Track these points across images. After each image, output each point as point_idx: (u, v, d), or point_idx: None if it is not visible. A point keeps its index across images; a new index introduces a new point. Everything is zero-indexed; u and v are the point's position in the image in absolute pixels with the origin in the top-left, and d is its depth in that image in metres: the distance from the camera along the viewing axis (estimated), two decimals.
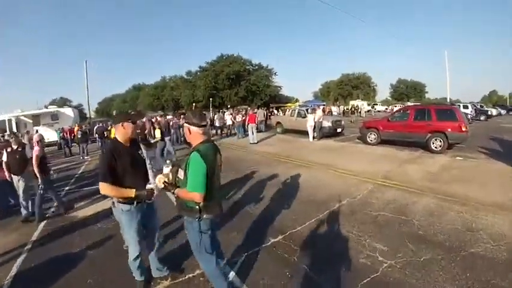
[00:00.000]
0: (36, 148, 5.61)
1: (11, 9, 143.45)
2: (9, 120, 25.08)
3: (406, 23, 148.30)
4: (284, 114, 22.83)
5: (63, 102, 79.12)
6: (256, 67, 45.86)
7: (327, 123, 14.77)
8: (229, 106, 39.36)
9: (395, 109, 42.53)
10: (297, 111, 17.07)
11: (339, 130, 15.41)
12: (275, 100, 46.37)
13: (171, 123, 16.66)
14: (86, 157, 14.14)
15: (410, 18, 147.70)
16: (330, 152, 11.11)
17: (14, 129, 24.21)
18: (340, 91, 77.76)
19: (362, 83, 76.88)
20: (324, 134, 14.80)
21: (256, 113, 19.02)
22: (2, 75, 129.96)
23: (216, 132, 19.02)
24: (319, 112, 14.62)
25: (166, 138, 10.92)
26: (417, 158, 9.44)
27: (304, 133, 15.35)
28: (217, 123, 18.70)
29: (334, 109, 29.33)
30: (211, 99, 36.13)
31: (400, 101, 74.66)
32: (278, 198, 5.95)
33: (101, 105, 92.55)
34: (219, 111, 28.76)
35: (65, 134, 17.68)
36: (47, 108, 28.76)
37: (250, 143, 13.91)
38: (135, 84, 77.77)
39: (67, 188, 8.23)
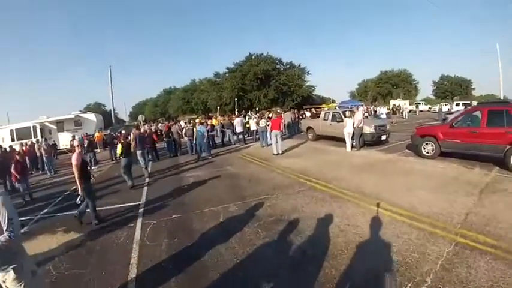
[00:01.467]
0: (75, 156, 5.72)
1: (53, 13, 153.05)
2: (34, 127, 25.23)
3: (449, 14, 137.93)
4: (312, 117, 20.47)
5: (97, 106, 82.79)
6: (288, 66, 43.44)
7: (368, 129, 12.18)
8: (257, 109, 37.32)
9: (443, 109, 39.12)
10: (331, 114, 14.60)
11: (383, 138, 12.73)
12: (308, 101, 43.65)
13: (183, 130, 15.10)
14: (92, 167, 12.63)
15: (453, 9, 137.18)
16: (374, 169, 8.51)
17: (39, 136, 24.28)
18: (379, 90, 73.41)
19: (403, 80, 72.17)
20: (365, 142, 12.30)
21: (281, 115, 16.82)
22: (39, 80, 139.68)
23: (238, 137, 17.01)
24: (358, 115, 12.03)
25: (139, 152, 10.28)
26: (495, 181, 6.64)
27: (341, 140, 13.00)
28: (238, 128, 16.65)
29: (382, 110, 24.39)
30: (236, 100, 34.27)
31: (443, 99, 69.08)
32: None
33: (135, 109, 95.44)
34: (244, 115, 26.90)
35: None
36: (82, 112, 29.12)
37: (274, 154, 11.80)
38: (166, 88, 78.75)
39: (45, 210, 7.46)
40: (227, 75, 44.23)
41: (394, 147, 12.22)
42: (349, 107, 38.24)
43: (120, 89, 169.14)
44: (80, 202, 5.96)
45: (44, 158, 14.38)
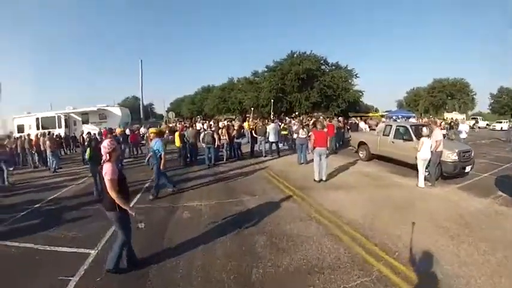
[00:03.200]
0: (109, 168, 3.60)
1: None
2: (59, 117, 25.11)
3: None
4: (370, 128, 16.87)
5: (134, 101, 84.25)
6: (333, 67, 39.43)
7: (450, 156, 8.63)
8: (297, 113, 33.97)
9: (504, 126, 32.92)
10: (394, 128, 11.11)
11: (467, 169, 9.06)
12: (354, 108, 39.47)
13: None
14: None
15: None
16: (474, 235, 5.01)
17: (63, 126, 24.60)
18: (432, 100, 66.46)
19: (459, 90, 64.43)
20: (443, 174, 8.81)
21: (330, 126, 13.71)
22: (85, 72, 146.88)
23: (271, 148, 14.10)
24: (437, 134, 8.40)
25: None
26: None
27: (403, 165, 10.02)
28: (271, 137, 13.66)
29: (463, 127, 16.88)
30: (274, 102, 30.90)
31: (501, 115, 61.87)
32: None
33: (172, 106, 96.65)
34: (282, 120, 23.81)
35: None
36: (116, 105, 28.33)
37: (315, 180, 8.68)
38: (204, 86, 77.87)
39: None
40: (266, 74, 41.10)
41: (478, 182, 8.69)
42: (398, 118, 33.95)
43: (160, 85, 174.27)
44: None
45: (48, 152, 12.94)
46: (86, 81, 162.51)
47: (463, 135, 16.45)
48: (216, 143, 12.18)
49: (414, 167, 8.87)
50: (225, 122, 19.46)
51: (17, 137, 16.66)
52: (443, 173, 8.74)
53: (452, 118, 40.87)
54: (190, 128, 13.32)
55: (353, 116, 32.30)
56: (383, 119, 30.30)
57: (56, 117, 24.94)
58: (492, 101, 70.46)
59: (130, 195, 4.51)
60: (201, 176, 10.13)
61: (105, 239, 5.01)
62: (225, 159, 13.06)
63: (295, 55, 38.91)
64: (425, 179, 8.28)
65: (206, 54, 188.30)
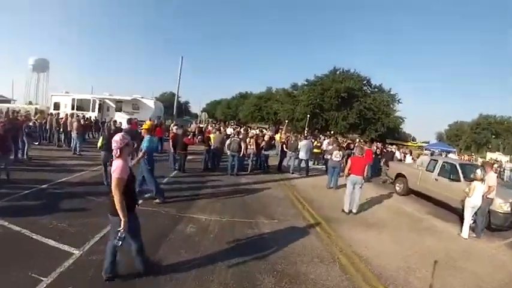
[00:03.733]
0: (120, 164, 3.17)
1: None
2: (94, 101, 25.48)
3: None
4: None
5: (171, 96, 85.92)
6: (376, 89, 37.77)
7: (503, 206, 7.22)
8: (332, 132, 32.60)
9: None
10: (440, 164, 9.73)
11: None
12: (393, 135, 37.40)
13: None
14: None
15: None
16: None
17: (96, 110, 25.00)
18: (475, 136, 61.77)
19: (506, 130, 59.40)
20: (492, 225, 7.42)
21: (369, 152, 12.66)
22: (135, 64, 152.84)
23: (299, 165, 13.20)
24: (492, 178, 7.10)
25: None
26: None
27: (445, 207, 8.98)
28: (301, 154, 12.78)
29: None
30: (308, 116, 29.50)
31: None
32: None
33: (208, 107, 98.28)
34: (315, 137, 22.74)
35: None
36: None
37: (344, 211, 7.61)
38: (241, 92, 78.29)
39: None
40: (305, 87, 39.89)
41: None
42: (436, 151, 31.34)
43: (199, 85, 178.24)
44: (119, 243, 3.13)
45: (73, 134, 12.83)
46: (133, 73, 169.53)
47: None
48: (242, 152, 11.45)
49: (456, 212, 7.94)
50: (256, 131, 18.83)
51: (49, 114, 16.85)
52: (491, 224, 7.37)
53: (495, 159, 37.74)
54: (217, 132, 12.67)
55: (390, 143, 30.57)
56: (425, 151, 28.33)
57: (91, 101, 25.42)
58: None
59: (137, 199, 3.88)
60: (219, 185, 9.40)
61: (95, 240, 4.39)
62: (249, 170, 12.30)
63: (338, 72, 37.78)
64: (471, 230, 7.02)
65: (248, 61, 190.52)
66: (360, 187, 7.47)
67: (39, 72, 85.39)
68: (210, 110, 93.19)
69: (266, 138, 13.09)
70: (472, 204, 6.85)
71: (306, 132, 25.34)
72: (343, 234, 6.09)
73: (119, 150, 3.27)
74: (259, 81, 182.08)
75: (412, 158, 15.13)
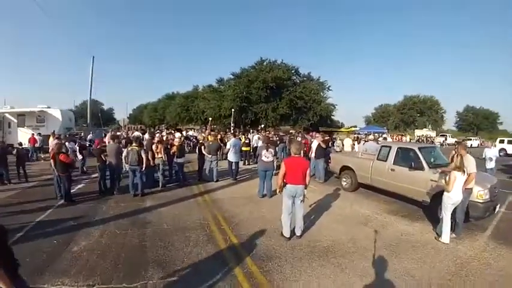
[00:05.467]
0: None
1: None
2: None
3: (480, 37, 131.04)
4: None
5: (94, 104, 78.11)
6: (305, 78, 36.85)
7: (482, 195, 5.76)
8: (263, 125, 30.63)
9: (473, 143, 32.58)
10: (394, 150, 8.03)
11: (497, 209, 6.32)
12: (325, 123, 36.80)
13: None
14: None
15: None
16: None
17: None
18: (403, 116, 66.78)
19: (429, 108, 65.58)
20: (470, 218, 5.94)
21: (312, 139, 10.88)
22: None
23: (231, 168, 10.94)
24: (470, 162, 5.47)
25: None
26: None
27: (404, 199, 7.55)
28: (231, 156, 10.74)
29: (490, 152, 12.04)
30: (233, 111, 26.83)
31: (467, 132, 66.07)
32: None
33: (135, 112, 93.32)
34: (243, 133, 20.51)
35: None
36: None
37: (283, 236, 5.29)
38: (168, 93, 73.34)
39: None
40: (231, 81, 37.35)
41: (507, 225, 6.45)
42: (369, 134, 31.67)
43: (124, 89, 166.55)
44: None
45: None
46: (47, 82, 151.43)
47: (492, 165, 11.83)
48: (145, 164, 8.61)
49: (419, 204, 6.79)
50: (164, 134, 16.06)
51: None
52: (469, 217, 5.89)
53: (424, 135, 40.02)
54: (111, 141, 9.51)
55: (323, 132, 29.46)
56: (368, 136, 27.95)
57: None
58: (458, 119, 72.82)
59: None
60: (109, 218, 6.53)
61: None
62: (160, 186, 9.53)
63: (264, 62, 35.97)
64: (452, 230, 5.45)
65: (174, 60, 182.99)
66: (302, 200, 5.18)
67: None
68: (137, 115, 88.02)
69: (176, 141, 10.26)
70: (453, 200, 5.17)
71: (232, 128, 22.77)
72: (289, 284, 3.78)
73: None
74: (186, 80, 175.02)
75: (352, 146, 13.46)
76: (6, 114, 21.56)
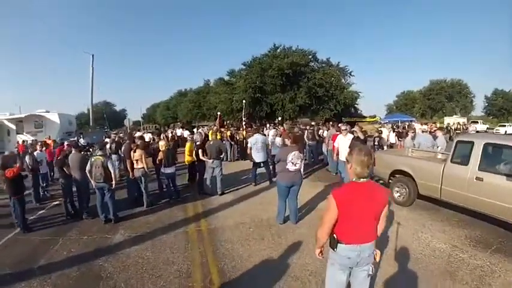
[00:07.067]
0: None
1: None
2: None
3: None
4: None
5: (105, 105, 78.84)
6: (323, 65, 33.09)
7: None
8: (280, 118, 27.63)
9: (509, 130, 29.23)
10: (481, 147, 5.20)
11: None
12: (349, 113, 33.44)
13: None
14: None
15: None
16: None
17: None
18: (430, 103, 62.06)
19: (458, 93, 60.68)
20: None
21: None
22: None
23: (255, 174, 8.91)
24: None
25: None
26: None
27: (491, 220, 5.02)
28: (256, 155, 8.74)
29: None
30: (245, 103, 23.97)
31: (496, 117, 60.16)
32: None
33: (148, 111, 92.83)
34: (261, 128, 17.93)
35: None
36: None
37: None
38: (180, 90, 71.20)
39: None
40: (242, 72, 33.94)
41: None
42: (399, 123, 28.29)
43: (137, 89, 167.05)
44: None
45: None
46: (61, 87, 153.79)
47: None
48: (114, 179, 6.19)
49: None
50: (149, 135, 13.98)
51: None
52: None
53: (456, 122, 36.02)
54: (73, 150, 7.09)
55: (347, 122, 26.34)
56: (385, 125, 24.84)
57: None
58: (487, 104, 67.51)
59: None
60: (56, 265, 4.57)
61: None
62: (145, 205, 7.15)
63: (278, 49, 32.57)
64: None
65: (182, 57, 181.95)
66: (369, 274, 2.47)
67: None
68: (151, 114, 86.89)
69: (162, 144, 7.69)
70: None
71: (244, 122, 20.18)
72: None
73: None
74: (198, 75, 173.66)
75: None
76: (5, 121, 21.02)
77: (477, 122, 38.62)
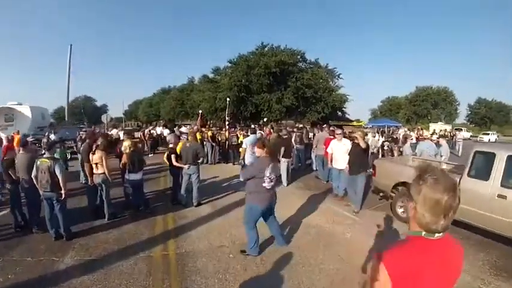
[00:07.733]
0: None
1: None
2: None
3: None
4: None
5: (85, 100, 77.96)
6: (311, 66, 32.05)
7: None
8: (265, 119, 26.54)
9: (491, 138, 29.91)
10: (504, 159, 4.47)
11: None
12: (335, 116, 32.57)
13: None
14: None
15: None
16: None
17: None
18: (416, 109, 62.96)
19: (444, 100, 61.91)
20: None
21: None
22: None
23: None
24: None
25: None
26: None
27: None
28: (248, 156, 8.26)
29: None
30: (228, 101, 23.01)
31: (479, 126, 62.97)
32: None
33: (130, 108, 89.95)
34: (245, 128, 16.88)
35: None
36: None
37: None
38: (164, 87, 69.27)
39: None
40: (228, 70, 32.25)
41: None
42: (386, 128, 27.73)
43: (120, 85, 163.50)
44: None
45: None
46: (38, 80, 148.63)
47: None
48: (64, 194, 5.11)
49: None
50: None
51: None
52: None
53: (444, 130, 36.14)
54: (21, 149, 5.95)
55: (335, 126, 25.28)
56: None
57: None
58: (470, 112, 69.48)
59: None
60: None
61: None
62: (106, 218, 6.08)
63: (266, 47, 31.28)
64: None
65: (167, 54, 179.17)
66: None
67: None
68: (133, 111, 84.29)
69: (126, 146, 6.65)
70: None
71: (227, 122, 19.19)
72: None
73: None
74: (182, 72, 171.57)
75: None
76: None
77: (461, 130, 38.85)
